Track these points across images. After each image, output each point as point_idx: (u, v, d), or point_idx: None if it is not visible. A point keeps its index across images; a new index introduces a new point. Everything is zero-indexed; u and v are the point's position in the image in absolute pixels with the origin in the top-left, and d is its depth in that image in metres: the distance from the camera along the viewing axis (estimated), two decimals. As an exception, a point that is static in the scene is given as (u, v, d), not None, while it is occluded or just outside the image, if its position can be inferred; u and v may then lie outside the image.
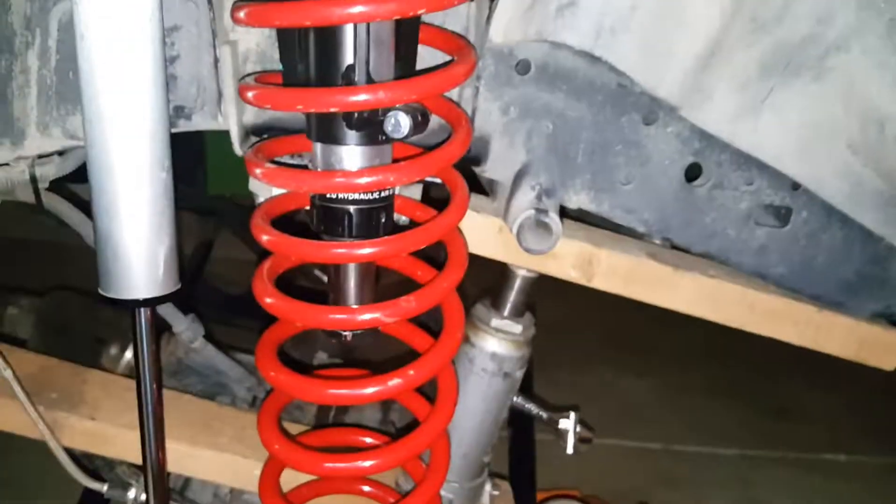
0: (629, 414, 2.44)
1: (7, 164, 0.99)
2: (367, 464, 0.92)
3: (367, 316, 0.84)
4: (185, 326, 1.22)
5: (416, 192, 1.03)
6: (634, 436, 2.36)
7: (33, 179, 1.03)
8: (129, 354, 1.38)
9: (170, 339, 1.41)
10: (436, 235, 0.85)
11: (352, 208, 0.82)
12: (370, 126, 0.77)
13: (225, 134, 0.96)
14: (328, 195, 0.82)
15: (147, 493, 1.04)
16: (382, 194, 0.83)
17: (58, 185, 1.13)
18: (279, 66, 0.85)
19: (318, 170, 0.82)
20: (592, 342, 2.78)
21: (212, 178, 2.62)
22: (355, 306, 0.88)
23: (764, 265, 1.09)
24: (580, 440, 1.32)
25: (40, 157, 1.02)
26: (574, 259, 1.08)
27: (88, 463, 1.25)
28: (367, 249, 0.80)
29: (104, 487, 1.18)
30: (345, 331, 0.88)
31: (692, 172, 1.06)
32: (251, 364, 1.45)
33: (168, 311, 1.20)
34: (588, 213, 1.10)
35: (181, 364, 1.42)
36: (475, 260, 1.06)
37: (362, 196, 0.82)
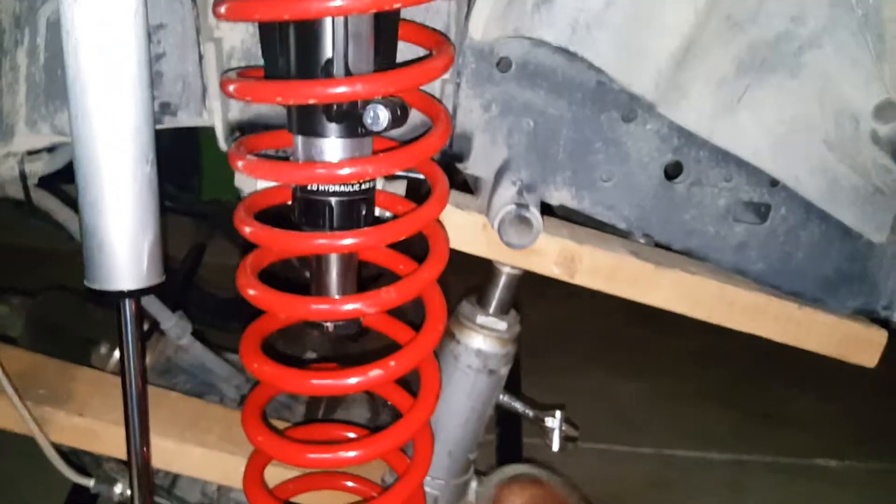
0: (620, 419, 2.44)
1: (-4, 161, 1.01)
2: (351, 454, 0.93)
3: (349, 306, 0.85)
4: (172, 323, 1.23)
5: (399, 189, 1.04)
6: (625, 440, 2.36)
7: (22, 176, 1.04)
8: (117, 354, 1.39)
9: (158, 338, 1.43)
10: (416, 227, 0.86)
11: (333, 200, 0.84)
12: (349, 119, 0.78)
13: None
14: (309, 187, 0.83)
15: (132, 487, 1.05)
16: (363, 186, 0.84)
17: (51, 186, 1.15)
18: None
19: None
20: (583, 347, 2.79)
21: (207, 182, 2.64)
22: (337, 297, 0.90)
23: (743, 262, 1.10)
24: (566, 438, 1.32)
25: (29, 153, 1.04)
26: (557, 256, 1.09)
27: (76, 459, 1.26)
28: (347, 240, 0.82)
29: (91, 483, 1.19)
30: (327, 322, 0.90)
31: (671, 171, 1.08)
32: (240, 363, 1.46)
33: (156, 308, 1.21)
34: (573, 214, 1.12)
35: (170, 363, 1.43)
36: (461, 261, 1.08)
37: (343, 188, 0.83)
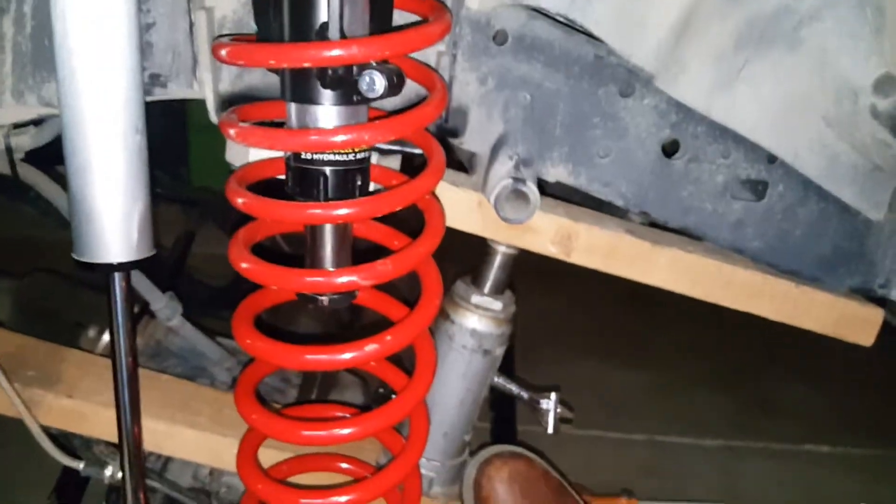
0: (613, 407, 2.44)
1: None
2: (346, 431, 0.91)
3: (344, 279, 0.84)
4: (163, 304, 1.21)
5: (394, 163, 1.03)
6: (618, 427, 2.36)
7: (8, 150, 1.02)
8: (107, 337, 1.37)
9: (148, 321, 1.41)
10: (411, 198, 0.85)
11: (327, 169, 0.82)
12: (344, 85, 0.77)
13: (210, 127, 0.95)
14: (303, 156, 0.82)
15: (123, 468, 1.03)
16: (358, 156, 0.83)
17: (45, 168, 1.13)
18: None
19: (293, 130, 0.82)
20: (575, 339, 2.79)
21: (196, 170, 2.61)
22: (331, 270, 0.88)
23: (740, 240, 1.10)
24: (561, 420, 1.32)
25: (16, 126, 1.02)
26: (553, 234, 1.08)
27: (66, 443, 1.24)
28: (342, 210, 0.80)
29: (80, 465, 1.17)
30: (321, 295, 0.88)
31: (669, 147, 1.07)
32: (231, 347, 1.45)
33: (146, 288, 1.20)
34: (570, 194, 1.11)
35: (160, 346, 1.41)
36: (457, 240, 1.07)
37: (337, 157, 0.82)
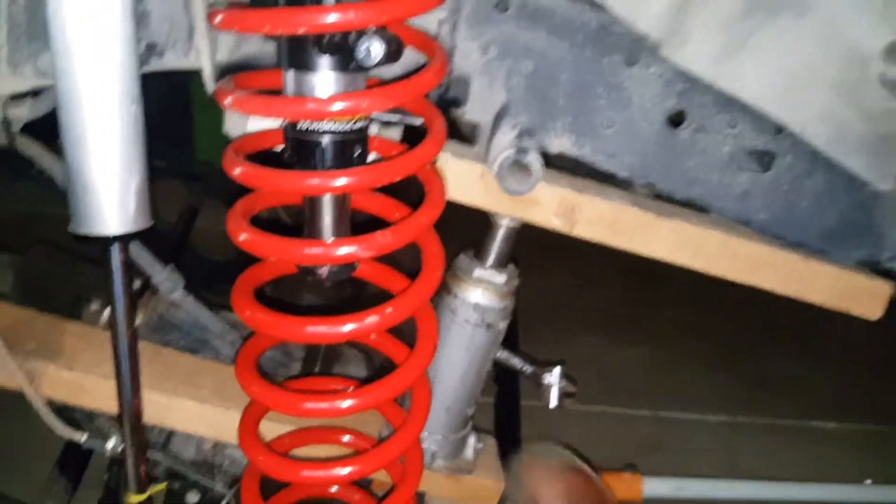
0: (617, 383, 2.44)
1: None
2: (346, 403, 0.91)
3: (344, 250, 0.83)
4: (164, 276, 1.20)
5: (395, 134, 1.01)
6: (622, 403, 2.36)
7: (5, 122, 1.01)
8: (108, 311, 1.37)
9: (151, 296, 1.40)
10: (411, 168, 0.84)
11: (325, 139, 0.81)
12: (341, 51, 0.75)
13: (215, 102, 0.94)
14: (301, 126, 0.81)
15: (124, 438, 1.03)
16: (356, 125, 0.82)
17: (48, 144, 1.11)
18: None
19: (291, 98, 0.80)
20: (580, 316, 2.79)
21: (201, 145, 2.59)
22: (331, 241, 0.87)
23: (746, 211, 1.08)
24: (564, 394, 1.31)
25: (12, 98, 1.00)
26: (556, 206, 1.07)
27: (69, 417, 1.24)
28: (340, 179, 0.79)
29: (83, 437, 1.17)
30: (320, 267, 0.87)
31: (675, 118, 1.05)
32: (234, 321, 1.44)
33: (146, 261, 1.19)
34: (575, 168, 1.10)
35: (163, 320, 1.40)
36: (458, 215, 1.05)
37: (336, 126, 0.80)
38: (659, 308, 2.85)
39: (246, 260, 0.97)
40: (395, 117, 0.98)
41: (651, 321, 2.82)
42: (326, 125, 0.80)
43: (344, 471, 1.00)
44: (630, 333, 2.72)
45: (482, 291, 1.17)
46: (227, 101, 0.79)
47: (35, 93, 1.02)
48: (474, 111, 1.00)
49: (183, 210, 2.11)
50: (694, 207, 1.11)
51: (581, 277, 2.90)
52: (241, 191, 0.89)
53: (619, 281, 2.78)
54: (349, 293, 1.53)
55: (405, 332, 1.03)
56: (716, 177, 1.06)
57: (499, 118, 0.99)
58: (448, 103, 0.99)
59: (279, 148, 0.88)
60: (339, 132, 0.81)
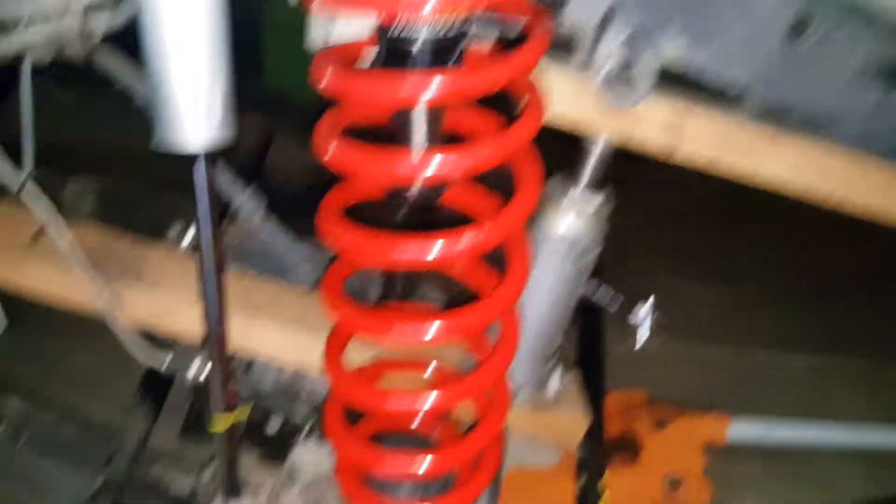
0: (696, 321, 2.35)
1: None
2: (436, 326, 0.85)
3: (438, 161, 0.76)
4: (245, 198, 1.17)
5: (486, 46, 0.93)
6: (702, 340, 2.28)
7: (84, 34, 0.97)
8: (191, 233, 1.35)
9: (229, 223, 1.38)
10: (510, 74, 0.76)
11: (420, 44, 0.74)
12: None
13: (288, 24, 0.87)
14: (394, 33, 0.74)
15: (211, 359, 1.02)
16: (452, 32, 0.74)
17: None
18: None
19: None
20: (654, 254, 2.69)
21: (272, 72, 2.53)
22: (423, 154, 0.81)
23: (872, 135, 0.98)
24: (656, 328, 1.24)
25: (91, 8, 0.96)
26: (662, 121, 0.98)
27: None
28: (438, 79, 0.71)
29: (167, 358, 1.16)
30: (409, 188, 0.81)
31: (798, 26, 0.94)
32: (315, 246, 1.41)
33: (227, 183, 1.16)
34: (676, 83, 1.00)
35: (241, 248, 1.38)
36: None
37: (431, 31, 0.73)
38: (732, 249, 2.73)
39: (321, 191, 0.92)
40: (490, 29, 0.90)
41: (728, 259, 2.71)
42: (422, 30, 0.73)
43: (430, 400, 0.95)
44: (709, 272, 2.62)
45: (576, 216, 1.10)
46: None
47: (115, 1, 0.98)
48: (577, 13, 0.91)
49: (258, 137, 2.08)
50: (810, 128, 1.01)
51: (652, 216, 2.78)
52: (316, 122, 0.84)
53: (694, 214, 2.67)
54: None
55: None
56: (839, 94, 0.96)
57: (605, 22, 0.90)
58: (549, 4, 0.90)
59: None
60: (435, 39, 0.73)
